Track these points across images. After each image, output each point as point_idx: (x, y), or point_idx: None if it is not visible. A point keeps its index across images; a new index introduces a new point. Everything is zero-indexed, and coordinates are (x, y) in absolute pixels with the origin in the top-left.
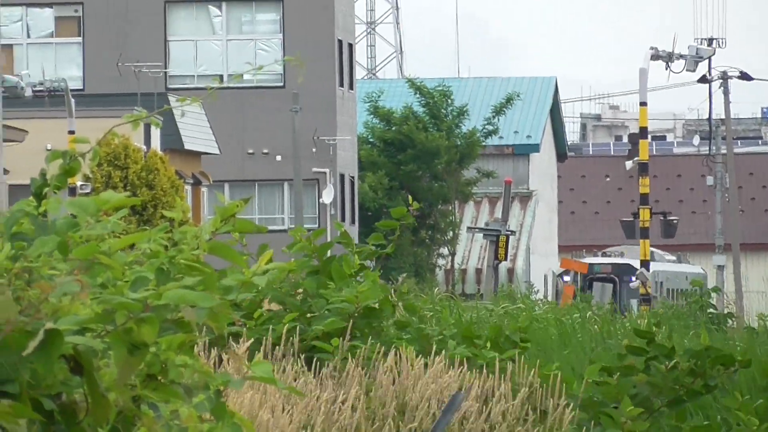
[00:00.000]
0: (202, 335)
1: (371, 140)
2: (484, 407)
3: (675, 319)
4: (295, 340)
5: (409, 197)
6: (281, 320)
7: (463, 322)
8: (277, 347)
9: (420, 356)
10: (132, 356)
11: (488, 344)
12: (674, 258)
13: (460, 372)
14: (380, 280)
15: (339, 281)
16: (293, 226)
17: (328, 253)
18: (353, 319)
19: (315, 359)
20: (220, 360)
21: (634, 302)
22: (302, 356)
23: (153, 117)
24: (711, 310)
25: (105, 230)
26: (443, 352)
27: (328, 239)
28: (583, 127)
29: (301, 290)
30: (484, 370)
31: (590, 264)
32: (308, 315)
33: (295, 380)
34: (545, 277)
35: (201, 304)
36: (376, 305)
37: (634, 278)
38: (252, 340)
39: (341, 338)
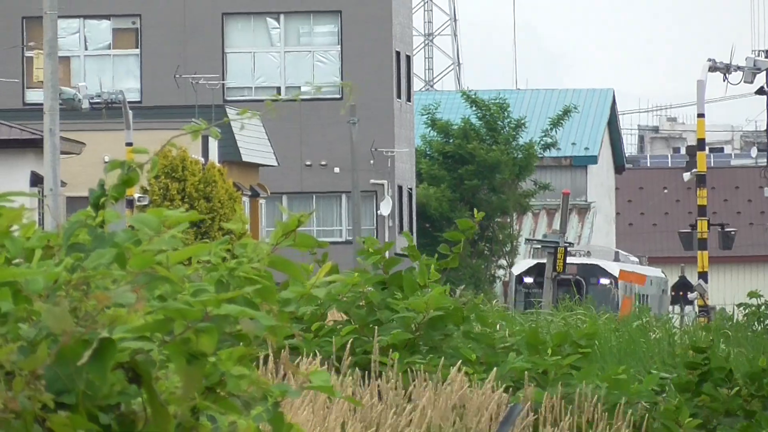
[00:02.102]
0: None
1: (429, 153)
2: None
3: (731, 331)
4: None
5: (474, 210)
6: (341, 333)
7: (528, 330)
8: (334, 358)
9: (482, 365)
10: (191, 367)
11: (550, 351)
12: (636, 260)
13: (517, 389)
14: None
15: (409, 292)
16: (351, 238)
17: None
18: (419, 329)
19: (372, 372)
20: (281, 375)
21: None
22: (360, 368)
23: (213, 128)
24: None
25: (165, 245)
26: (499, 366)
27: (387, 252)
28: (641, 139)
29: (364, 302)
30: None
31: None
32: (372, 326)
33: (353, 393)
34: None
35: (263, 321)
36: (443, 313)
37: (602, 280)
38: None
39: (405, 349)
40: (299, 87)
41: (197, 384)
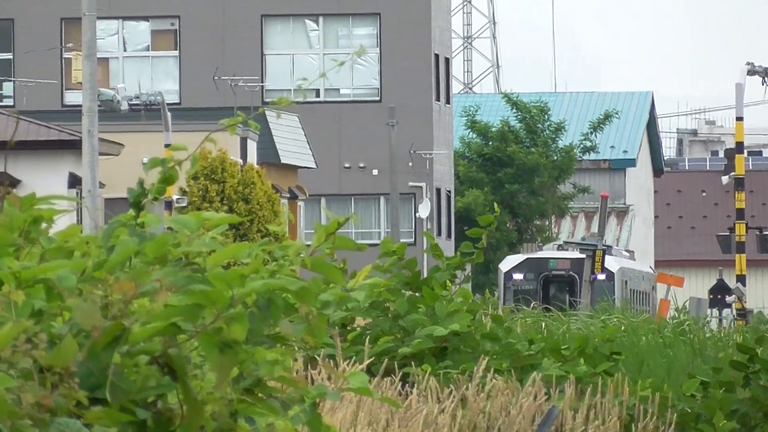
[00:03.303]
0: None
1: (468, 155)
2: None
3: None
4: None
5: (495, 204)
6: (373, 338)
7: (552, 336)
8: (367, 364)
9: (511, 372)
10: (224, 356)
11: (578, 356)
12: (628, 254)
13: (552, 393)
14: (476, 294)
15: (430, 301)
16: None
17: (419, 268)
18: (446, 341)
19: (403, 378)
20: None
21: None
22: (393, 375)
23: (251, 121)
24: None
25: (205, 247)
26: (535, 373)
27: (424, 253)
28: (680, 142)
29: (389, 308)
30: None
31: (546, 258)
32: (397, 336)
33: (387, 394)
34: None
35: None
36: (468, 331)
37: (598, 275)
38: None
39: (434, 357)
40: (338, 89)
41: (229, 374)
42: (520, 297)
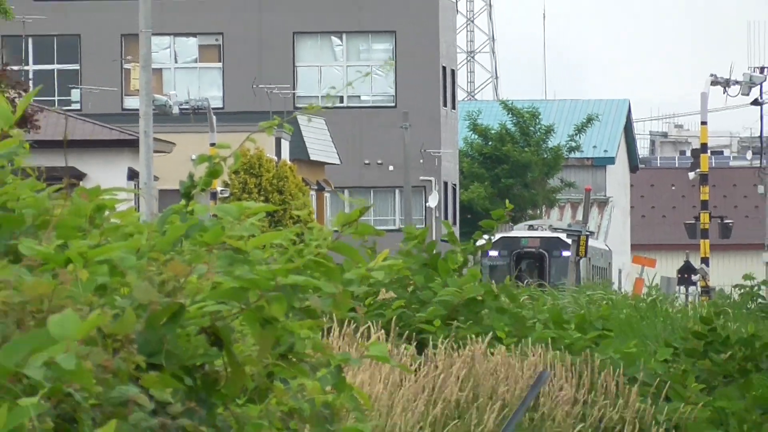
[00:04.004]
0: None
1: (470, 153)
2: (569, 386)
3: (730, 308)
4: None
5: (506, 201)
6: (390, 307)
7: (553, 308)
8: (387, 329)
9: (515, 338)
10: (264, 330)
11: (573, 326)
12: (591, 234)
13: (548, 355)
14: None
15: (444, 276)
16: (404, 226)
17: (435, 250)
18: (456, 308)
19: (419, 342)
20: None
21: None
22: (409, 339)
23: (285, 123)
24: (761, 300)
25: (245, 231)
26: (530, 338)
27: (433, 238)
28: (652, 143)
29: (411, 283)
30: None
31: (518, 237)
32: (415, 305)
33: (402, 359)
34: (619, 271)
35: (325, 289)
36: (476, 296)
37: (563, 252)
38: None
39: (443, 324)
40: (359, 96)
41: (269, 346)
42: (495, 272)
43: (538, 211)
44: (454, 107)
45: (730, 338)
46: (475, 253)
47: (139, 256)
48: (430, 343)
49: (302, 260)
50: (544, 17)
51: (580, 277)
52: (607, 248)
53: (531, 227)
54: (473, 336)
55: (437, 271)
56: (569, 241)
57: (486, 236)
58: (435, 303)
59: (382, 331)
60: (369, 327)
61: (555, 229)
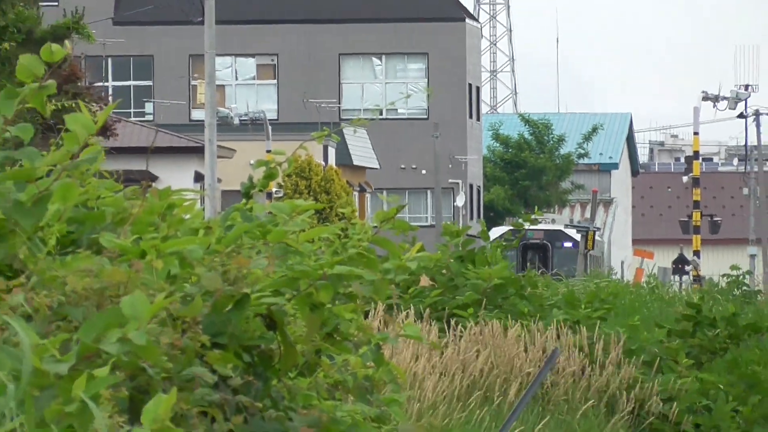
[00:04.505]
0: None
1: (493, 159)
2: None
3: (719, 295)
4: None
5: (535, 207)
6: (428, 295)
7: (567, 292)
8: (424, 314)
9: (533, 319)
10: (313, 314)
11: (583, 306)
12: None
13: (561, 334)
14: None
15: (479, 266)
16: (434, 223)
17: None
18: (486, 293)
19: (454, 322)
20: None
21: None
22: (445, 321)
23: (333, 134)
24: (745, 287)
25: (297, 226)
26: (545, 316)
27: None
28: (651, 150)
29: (445, 270)
30: (580, 328)
31: (524, 229)
32: (449, 293)
33: (437, 338)
34: (621, 262)
35: (366, 276)
36: (503, 282)
37: (565, 243)
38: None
39: (476, 308)
40: (396, 109)
41: (317, 327)
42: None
43: (552, 210)
44: (478, 119)
45: (716, 319)
46: (504, 249)
47: (207, 251)
48: (459, 325)
49: (346, 253)
50: (557, 41)
51: (588, 267)
52: (602, 239)
53: (536, 221)
54: (498, 319)
55: (470, 263)
56: (570, 233)
57: (515, 235)
58: (469, 285)
59: (411, 314)
60: (408, 311)
61: (556, 223)
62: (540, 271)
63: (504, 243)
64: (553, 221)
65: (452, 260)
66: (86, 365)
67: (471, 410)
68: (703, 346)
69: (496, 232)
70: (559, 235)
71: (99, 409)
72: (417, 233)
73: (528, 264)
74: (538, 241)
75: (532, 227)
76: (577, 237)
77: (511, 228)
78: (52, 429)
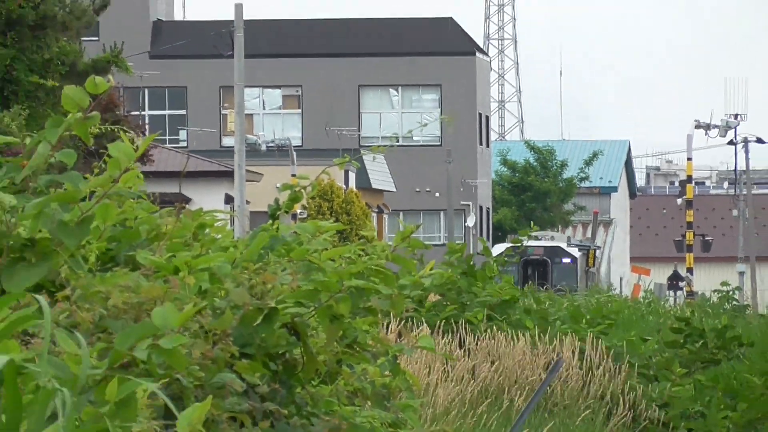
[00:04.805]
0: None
1: (501, 183)
2: (581, 367)
3: (710, 309)
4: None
5: (531, 223)
6: (442, 309)
7: (571, 307)
8: (438, 327)
9: (538, 331)
10: (333, 325)
11: (584, 322)
12: (582, 243)
13: (564, 344)
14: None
15: (482, 281)
16: (446, 242)
17: (473, 261)
18: (493, 308)
19: (464, 334)
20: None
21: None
22: (452, 335)
23: (353, 160)
24: (734, 302)
25: (320, 245)
26: (550, 330)
27: (471, 251)
28: (647, 175)
29: (453, 288)
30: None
31: (525, 246)
32: (458, 307)
33: (450, 350)
34: (620, 279)
35: (382, 291)
36: (509, 298)
37: (564, 259)
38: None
39: (483, 321)
40: (411, 137)
41: (336, 337)
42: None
43: (556, 230)
44: (488, 146)
45: (705, 330)
46: (504, 264)
47: (234, 265)
48: (468, 338)
49: (363, 265)
50: (560, 74)
51: (588, 283)
52: (601, 257)
53: (536, 238)
54: (506, 330)
55: (474, 278)
56: (569, 249)
57: (515, 250)
58: (477, 303)
59: (424, 327)
60: (421, 324)
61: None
62: (543, 286)
63: (506, 259)
64: (552, 238)
65: (459, 277)
66: (122, 373)
67: (480, 415)
68: (692, 356)
69: (498, 249)
70: (558, 252)
71: (139, 414)
72: (431, 251)
73: (528, 279)
74: (538, 257)
75: (532, 244)
76: (576, 254)
77: (511, 245)
78: (90, 429)
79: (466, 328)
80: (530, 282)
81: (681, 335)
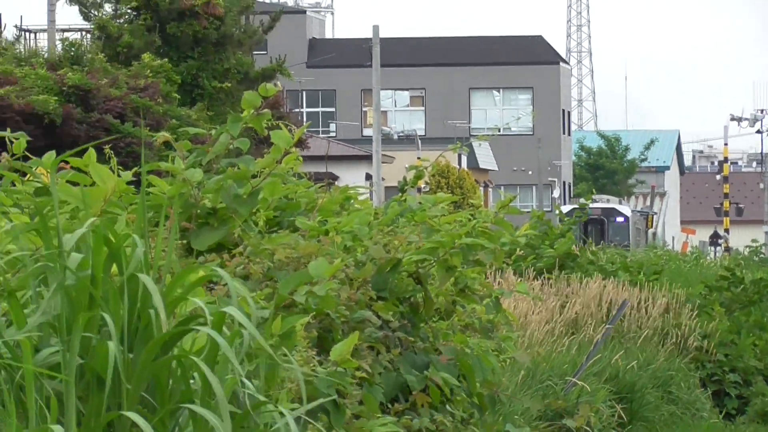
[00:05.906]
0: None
1: (579, 163)
2: (641, 307)
3: (743, 260)
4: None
5: (593, 190)
6: (523, 260)
7: (625, 261)
8: (525, 273)
9: (603, 278)
10: (447, 274)
11: (641, 273)
12: (618, 200)
13: (623, 289)
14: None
15: (552, 238)
16: (538, 210)
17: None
18: (561, 258)
19: (542, 279)
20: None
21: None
22: (539, 278)
23: (464, 146)
24: (762, 255)
25: (438, 212)
26: (613, 278)
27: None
28: (693, 157)
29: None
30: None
31: (586, 207)
32: (537, 256)
33: (539, 290)
34: (673, 238)
35: (486, 245)
36: (569, 251)
37: (618, 218)
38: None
39: (556, 268)
40: (510, 127)
41: (447, 282)
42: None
43: (622, 201)
44: (569, 134)
45: (744, 279)
46: (575, 224)
47: (371, 228)
48: (546, 282)
49: (471, 226)
50: (625, 79)
51: (647, 241)
52: (644, 213)
53: (594, 200)
54: (575, 276)
55: (548, 236)
56: (622, 209)
57: (581, 211)
58: (548, 255)
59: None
60: (509, 271)
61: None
62: (600, 241)
63: (570, 218)
64: (608, 201)
65: (535, 235)
66: (285, 312)
67: (563, 343)
68: (734, 297)
69: (565, 209)
70: (612, 212)
71: (296, 344)
72: (524, 217)
73: (588, 235)
74: (596, 216)
75: (592, 205)
76: (628, 213)
77: (574, 206)
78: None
79: (543, 275)
80: (590, 238)
81: (726, 282)
